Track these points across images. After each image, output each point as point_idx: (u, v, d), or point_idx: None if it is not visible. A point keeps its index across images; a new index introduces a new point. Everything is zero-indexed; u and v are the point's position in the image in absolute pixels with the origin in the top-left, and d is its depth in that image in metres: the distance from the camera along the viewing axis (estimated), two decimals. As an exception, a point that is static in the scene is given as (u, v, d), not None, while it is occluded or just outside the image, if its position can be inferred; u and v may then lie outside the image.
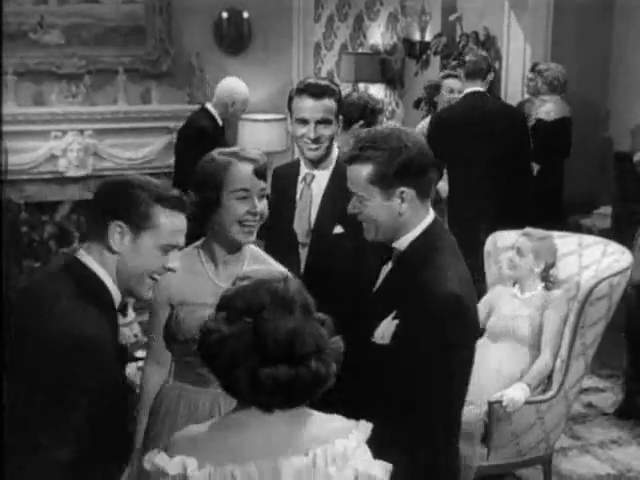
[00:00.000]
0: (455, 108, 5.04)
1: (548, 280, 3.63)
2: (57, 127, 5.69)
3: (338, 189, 2.78)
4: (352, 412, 1.90)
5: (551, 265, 3.65)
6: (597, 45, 6.70)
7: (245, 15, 6.04)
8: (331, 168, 2.90)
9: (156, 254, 1.98)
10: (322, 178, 2.89)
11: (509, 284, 3.74)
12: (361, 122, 3.76)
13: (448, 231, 2.31)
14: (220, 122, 4.76)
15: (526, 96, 6.34)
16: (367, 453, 1.76)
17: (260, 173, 2.38)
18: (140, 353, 4.01)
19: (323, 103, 2.79)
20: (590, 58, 6.47)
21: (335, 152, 2.91)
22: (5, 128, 5.29)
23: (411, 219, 2.17)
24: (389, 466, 1.77)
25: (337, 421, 1.76)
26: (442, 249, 2.17)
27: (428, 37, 8.21)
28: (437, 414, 2.14)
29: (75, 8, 5.65)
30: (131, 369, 3.85)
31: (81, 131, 5.73)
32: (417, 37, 8.39)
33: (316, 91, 2.79)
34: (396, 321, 2.11)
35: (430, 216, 2.22)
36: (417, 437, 2.12)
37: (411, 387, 2.09)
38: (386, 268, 2.26)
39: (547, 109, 5.55)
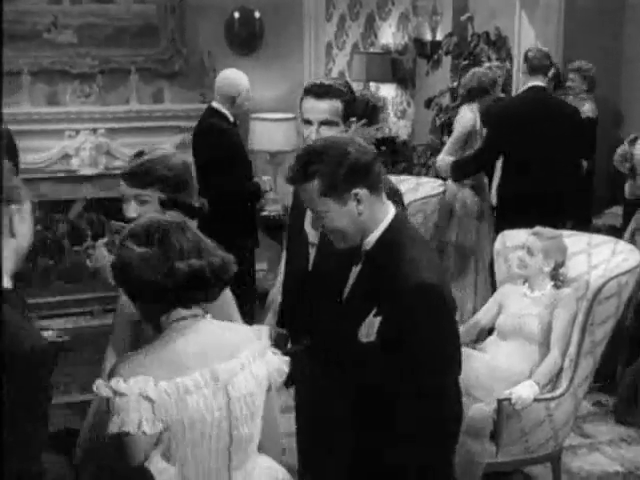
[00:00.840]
0: (518, 100, 5.22)
1: (557, 279, 3.65)
2: (70, 126, 5.71)
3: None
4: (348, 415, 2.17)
5: (561, 264, 3.66)
6: (608, 44, 6.70)
7: (257, 15, 6.06)
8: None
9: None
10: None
11: (519, 282, 3.76)
12: (363, 120, 3.77)
13: (412, 224, 2.35)
14: (231, 118, 4.69)
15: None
16: (270, 352, 2.09)
17: (128, 179, 2.49)
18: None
19: (326, 104, 2.75)
20: (601, 57, 6.46)
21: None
22: (20, 127, 5.31)
23: (372, 217, 2.21)
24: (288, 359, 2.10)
25: (241, 327, 2.15)
26: (411, 241, 2.22)
27: (439, 37, 8.22)
28: (436, 404, 2.19)
29: (88, 8, 5.69)
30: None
31: (94, 130, 5.75)
32: (428, 37, 8.40)
33: (319, 91, 2.77)
34: (379, 318, 2.15)
35: (391, 211, 2.26)
36: (418, 430, 2.17)
37: (403, 380, 2.14)
38: (355, 269, 2.29)
39: (591, 107, 5.70)
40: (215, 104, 4.68)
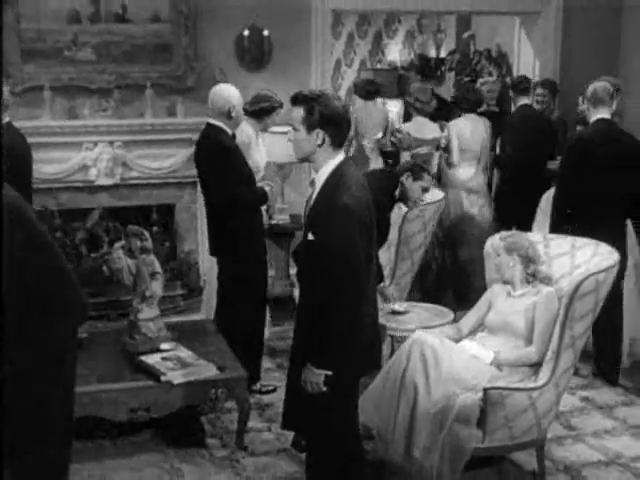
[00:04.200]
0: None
1: (532, 276, 3.92)
2: (88, 139, 5.93)
3: (322, 201, 3.06)
4: None
5: (529, 259, 3.91)
6: (605, 60, 6.94)
7: (265, 33, 6.32)
8: (323, 179, 3.06)
9: None
10: (317, 185, 3.10)
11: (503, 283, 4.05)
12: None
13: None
14: (230, 132, 4.66)
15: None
16: None
17: None
18: (164, 346, 4.32)
19: (294, 110, 3.03)
20: (598, 73, 6.68)
21: (327, 165, 3.04)
22: (41, 140, 5.59)
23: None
24: None
25: None
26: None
27: (443, 54, 8.51)
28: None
29: (106, 27, 5.93)
30: (155, 359, 4.15)
31: (111, 142, 5.96)
32: (433, 54, 8.70)
33: (291, 99, 3.07)
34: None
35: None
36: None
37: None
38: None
39: None
40: (212, 120, 4.67)
